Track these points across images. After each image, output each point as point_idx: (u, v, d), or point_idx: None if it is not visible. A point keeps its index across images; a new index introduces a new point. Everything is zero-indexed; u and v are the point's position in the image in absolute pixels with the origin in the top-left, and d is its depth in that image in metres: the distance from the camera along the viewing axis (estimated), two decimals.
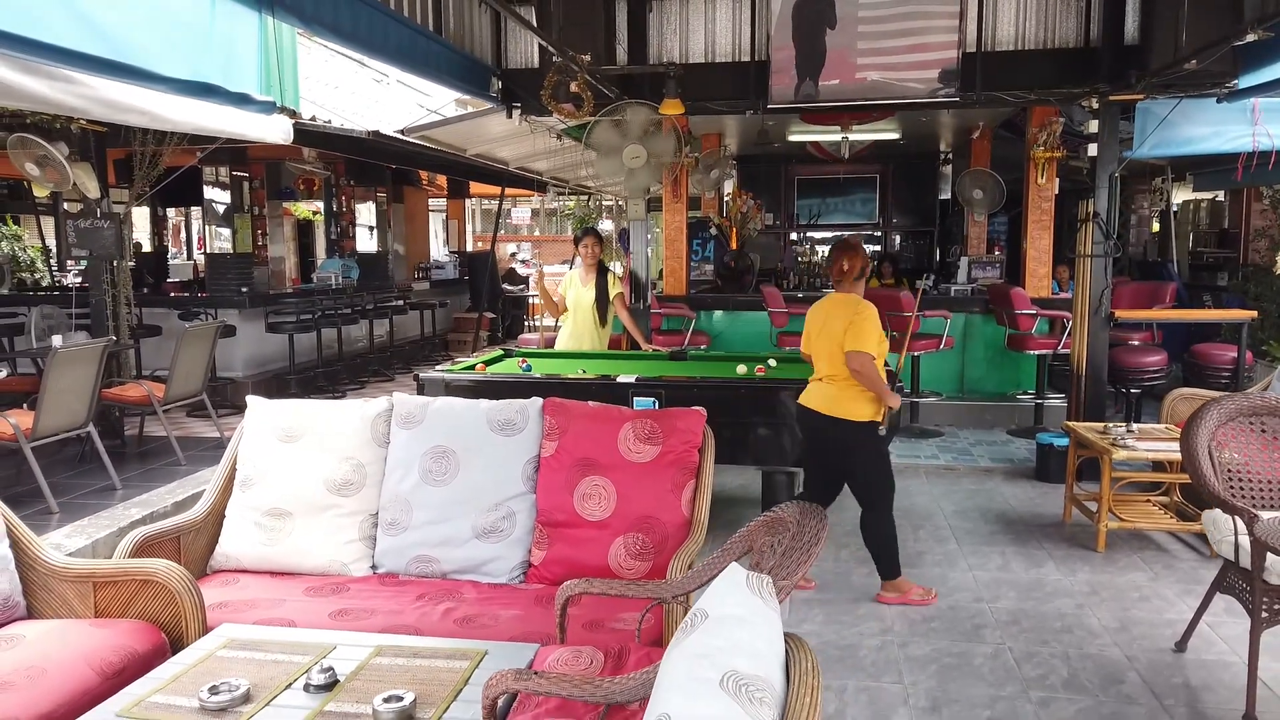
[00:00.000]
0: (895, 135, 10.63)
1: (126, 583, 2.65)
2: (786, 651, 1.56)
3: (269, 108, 3.84)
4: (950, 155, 13.02)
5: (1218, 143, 6.21)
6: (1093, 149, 5.90)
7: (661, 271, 8.84)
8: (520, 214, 25.93)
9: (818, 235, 14.33)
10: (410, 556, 3.23)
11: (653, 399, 4.63)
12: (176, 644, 2.59)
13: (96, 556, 4.29)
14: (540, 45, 6.57)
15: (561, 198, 15.63)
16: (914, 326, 5.76)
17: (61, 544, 4.30)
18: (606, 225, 17.54)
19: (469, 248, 17.65)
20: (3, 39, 2.45)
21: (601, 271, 6.10)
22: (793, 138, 10.52)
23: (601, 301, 6.02)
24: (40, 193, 13.31)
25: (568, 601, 2.55)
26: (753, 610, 1.59)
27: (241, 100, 3.61)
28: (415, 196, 14.49)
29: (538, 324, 16.84)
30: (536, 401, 3.41)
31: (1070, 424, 5.15)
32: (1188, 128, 6.18)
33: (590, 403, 3.48)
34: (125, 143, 6.90)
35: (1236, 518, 3.09)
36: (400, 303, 11.03)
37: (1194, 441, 3.34)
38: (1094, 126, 6.44)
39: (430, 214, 17.25)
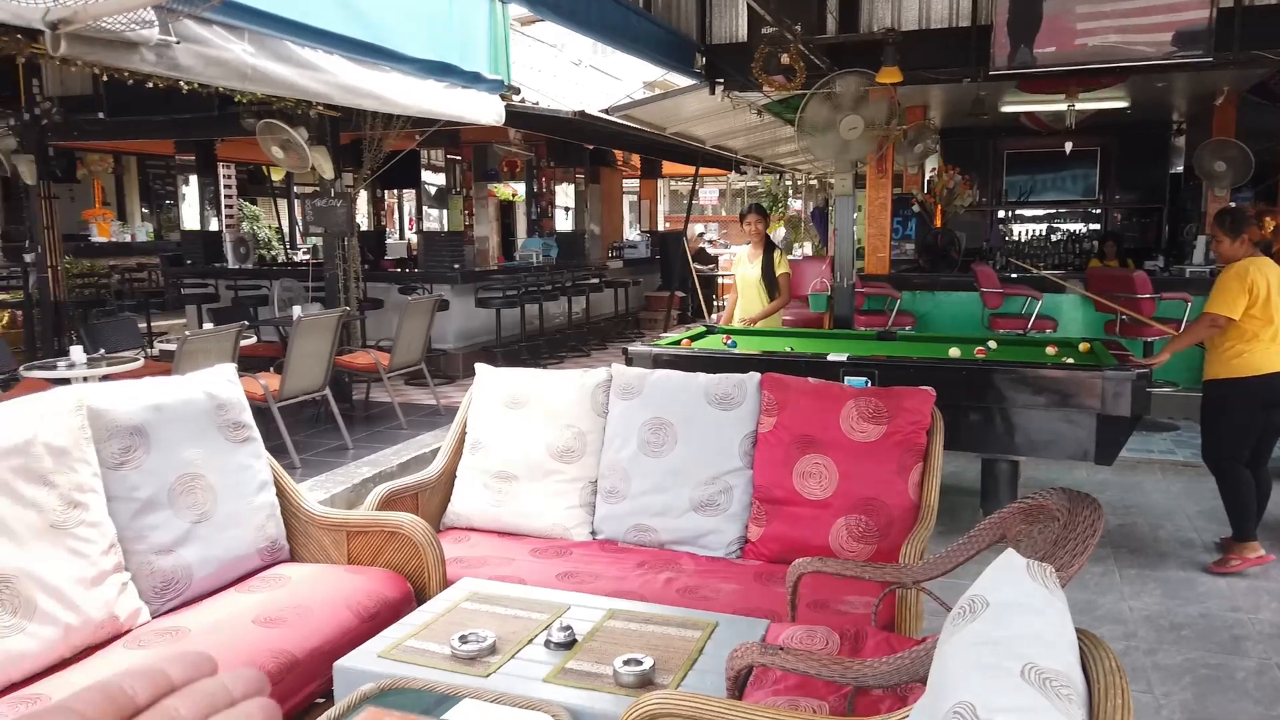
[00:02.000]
0: (1123, 104, 9.75)
1: (376, 533, 2.82)
2: (1081, 648, 1.43)
3: (498, 86, 3.99)
4: (1184, 124, 11.84)
5: None
6: None
7: (862, 250, 8.55)
8: (708, 194, 25.91)
9: (1027, 213, 13.44)
10: (629, 525, 3.27)
11: (865, 378, 4.47)
12: (419, 594, 2.74)
13: (335, 509, 4.63)
14: (748, 19, 6.47)
15: (753, 176, 15.45)
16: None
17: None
18: (796, 204, 17.21)
19: (660, 227, 17.82)
20: (281, 24, 2.64)
21: (768, 248, 6.05)
22: (1006, 108, 9.88)
23: (767, 278, 5.98)
24: (276, 176, 14.60)
25: (799, 579, 2.49)
26: (1039, 600, 1.46)
27: (473, 79, 3.77)
28: (610, 177, 14.77)
29: (724, 304, 16.85)
30: (754, 376, 3.35)
31: None
32: None
33: (811, 379, 3.40)
34: (355, 128, 7.39)
35: None
36: (596, 281, 11.28)
37: None
38: None
39: (623, 195, 17.56)
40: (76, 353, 5.03)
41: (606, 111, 8.88)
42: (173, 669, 0.41)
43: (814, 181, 16.30)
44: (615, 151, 14.02)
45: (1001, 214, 13.38)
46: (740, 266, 6.16)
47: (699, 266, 15.34)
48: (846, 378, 4.51)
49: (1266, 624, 3.49)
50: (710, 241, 21.51)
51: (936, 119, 11.46)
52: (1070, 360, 4.57)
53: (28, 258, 7.77)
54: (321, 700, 2.32)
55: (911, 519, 3.02)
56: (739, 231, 21.62)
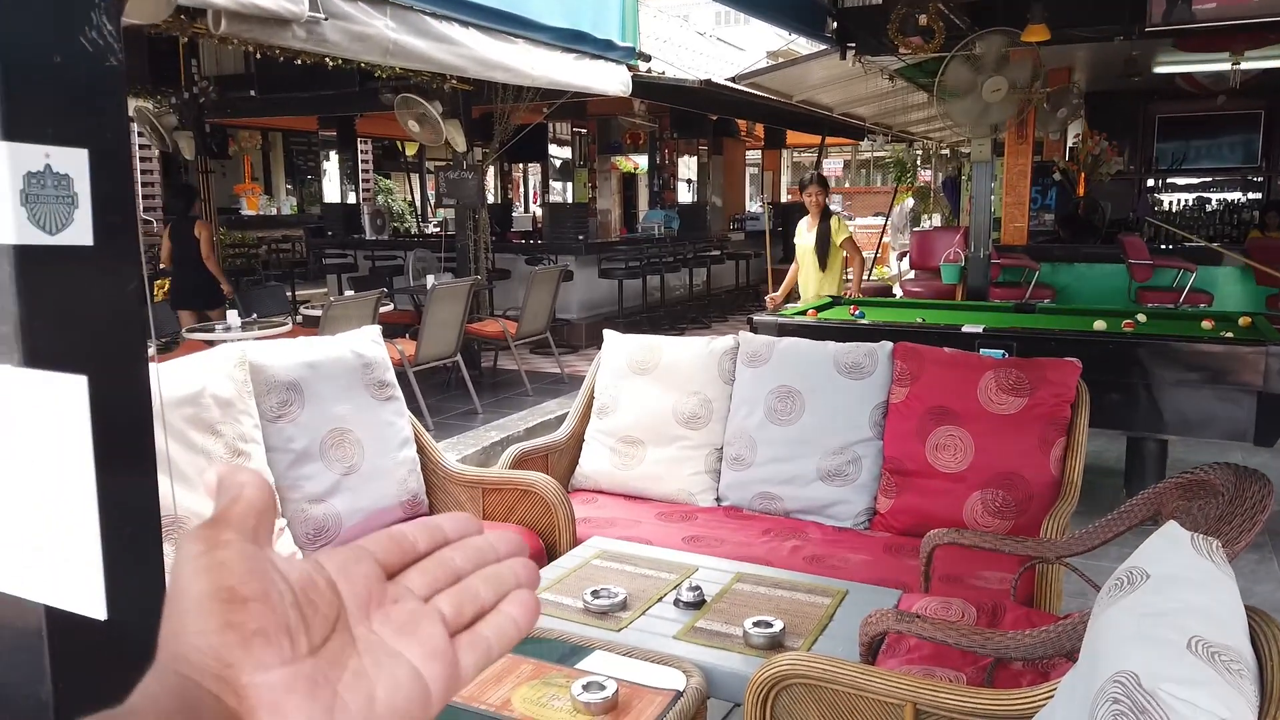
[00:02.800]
0: None
1: (510, 491, 2.92)
2: (1251, 626, 1.35)
3: (628, 54, 4.00)
4: None
5: None
6: None
7: (999, 220, 8.20)
8: (832, 165, 25.36)
9: (1180, 181, 12.58)
10: (754, 492, 3.26)
11: (1002, 350, 4.30)
12: (551, 551, 2.82)
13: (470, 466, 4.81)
14: None
15: (881, 145, 15.00)
16: None
17: None
18: (926, 174, 16.64)
19: (783, 199, 17.57)
20: None
21: (825, 217, 6.00)
22: (1160, 69, 9.23)
23: (821, 246, 5.94)
24: (409, 151, 15.11)
25: (933, 550, 2.44)
26: (1204, 573, 1.39)
27: (605, 47, 3.79)
28: (733, 148, 14.63)
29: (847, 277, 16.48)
30: (887, 345, 3.28)
31: None
32: None
33: (946, 349, 3.30)
34: (487, 101, 7.56)
35: None
36: (717, 253, 11.23)
37: None
38: None
39: (745, 167, 17.37)
40: (232, 316, 5.37)
41: (733, 80, 8.77)
42: (447, 524, 0.45)
43: (945, 151, 15.71)
44: (739, 122, 13.87)
45: (1151, 182, 12.57)
46: (800, 237, 6.18)
47: None
48: (982, 350, 4.36)
49: None
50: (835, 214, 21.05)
51: (1081, 82, 10.84)
52: (1229, 335, 4.27)
53: None
54: None
55: (1053, 495, 2.91)
56: (862, 204, 21.03)
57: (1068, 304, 7.07)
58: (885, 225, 14.35)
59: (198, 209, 7.15)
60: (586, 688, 1.76)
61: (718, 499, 3.34)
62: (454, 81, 6.55)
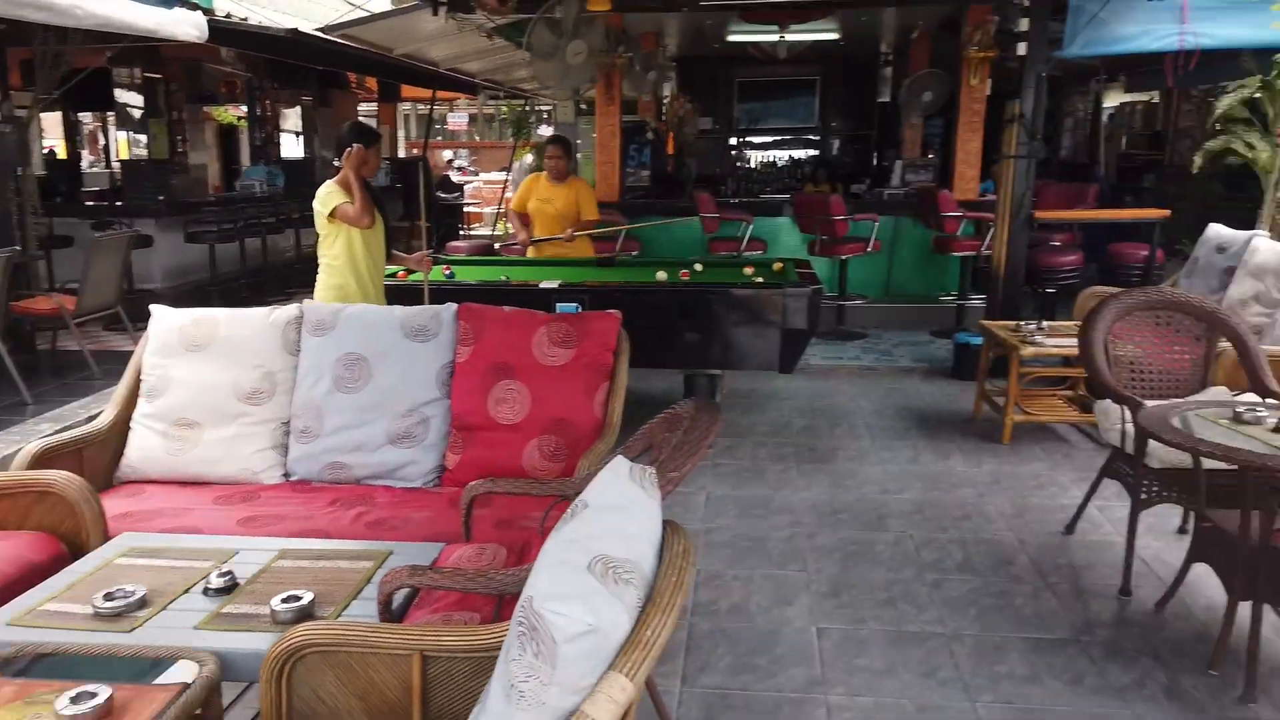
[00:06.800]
0: (835, 36, 10.46)
1: (23, 495, 2.62)
2: (664, 537, 1.62)
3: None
4: (891, 57, 12.90)
5: (1146, 41, 6.20)
6: (1022, 48, 5.87)
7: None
8: (458, 119, 25.16)
9: (757, 140, 14.19)
10: (323, 463, 3.23)
11: (576, 304, 4.63)
12: (78, 556, 2.58)
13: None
14: None
15: (495, 101, 15.18)
16: None
17: None
18: (545, 131, 17.15)
19: (400, 154, 17.14)
20: None
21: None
22: (732, 38, 10.30)
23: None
24: None
25: (473, 501, 2.59)
26: (632, 499, 1.63)
27: None
28: (343, 100, 13.96)
29: (471, 233, 16.58)
30: (451, 307, 3.39)
31: (985, 323, 5.28)
32: (1117, 26, 6.16)
33: (506, 308, 3.48)
34: (26, 42, 6.51)
35: (1124, 407, 3.23)
36: None
37: (1091, 336, 3.46)
38: (1026, 25, 6.41)
39: (360, 119, 16.64)
40: None
41: (324, 30, 8.34)
42: None
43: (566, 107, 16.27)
44: (349, 74, 13.24)
45: (734, 141, 14.05)
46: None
47: (443, 195, 15.00)
48: (558, 304, 4.66)
49: (908, 503, 4.06)
50: (460, 169, 20.98)
51: (672, 47, 11.76)
52: (760, 279, 4.97)
53: None
54: None
55: (597, 436, 3.21)
56: (489, 159, 21.13)
57: (651, 257, 7.74)
58: (506, 181, 14.62)
59: None
60: (75, 699, 1.66)
61: (286, 474, 3.26)
62: None
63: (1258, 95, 5.82)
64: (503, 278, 5.04)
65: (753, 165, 14.08)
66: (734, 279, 5.05)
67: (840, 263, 7.57)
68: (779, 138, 14.16)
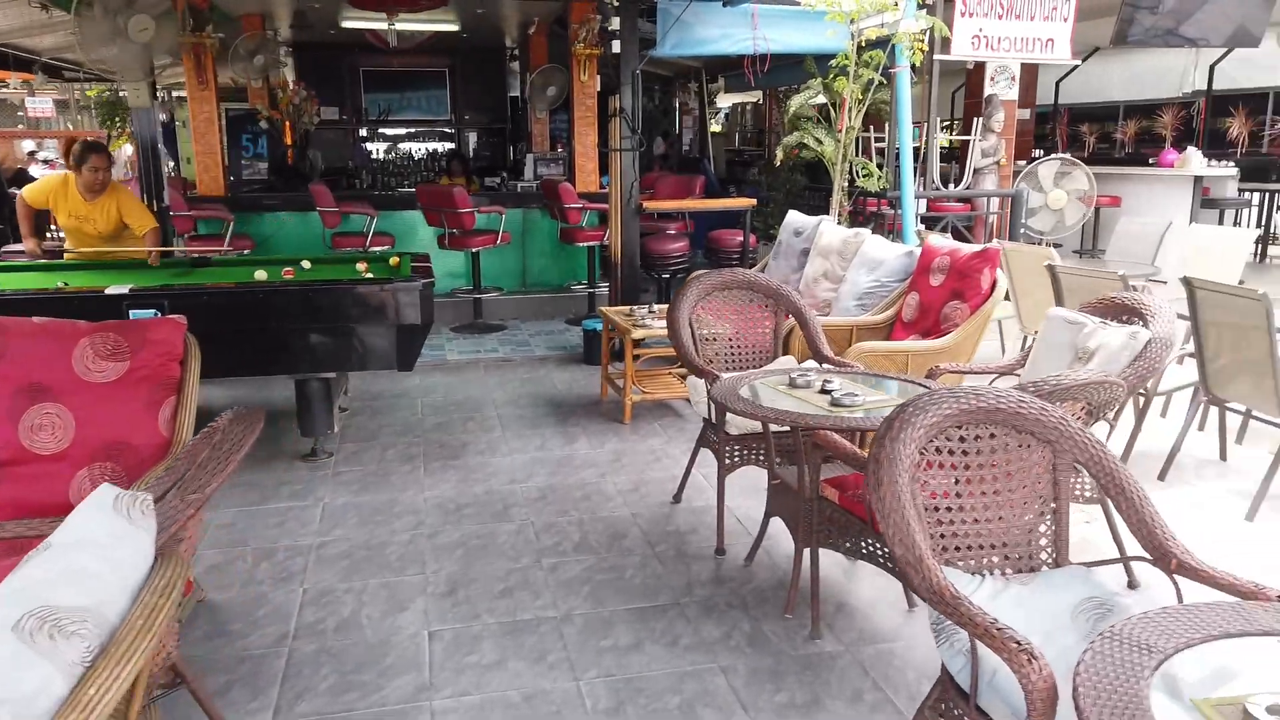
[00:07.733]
0: (455, 27, 10.35)
1: None
2: (151, 572, 1.39)
3: None
4: (516, 51, 13.08)
5: (726, 44, 6.81)
6: (616, 45, 6.15)
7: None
8: (39, 105, 21.65)
9: (389, 132, 13.74)
10: None
11: (154, 310, 4.08)
12: None
13: None
14: None
15: (79, 84, 13.26)
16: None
17: None
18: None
19: None
20: None
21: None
22: (345, 24, 9.80)
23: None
24: None
25: None
26: (112, 532, 1.38)
27: None
28: None
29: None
30: None
31: (603, 309, 5.48)
32: (701, 29, 6.70)
33: (36, 318, 2.95)
34: None
35: (705, 380, 3.47)
36: None
37: (676, 315, 3.68)
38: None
39: None
40: None
41: None
42: None
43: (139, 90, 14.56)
44: None
45: (364, 132, 13.48)
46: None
47: (17, 191, 12.81)
48: (132, 312, 4.08)
49: (534, 489, 4.07)
50: (48, 162, 18.10)
51: (285, 31, 10.96)
52: (371, 275, 4.73)
53: None
54: None
55: (165, 456, 2.82)
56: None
57: (270, 254, 7.14)
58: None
59: None
60: None
61: None
62: None
63: (819, 98, 6.61)
64: (60, 284, 4.31)
65: (387, 157, 13.62)
66: (343, 276, 4.75)
67: (472, 255, 7.50)
68: (413, 130, 13.84)
